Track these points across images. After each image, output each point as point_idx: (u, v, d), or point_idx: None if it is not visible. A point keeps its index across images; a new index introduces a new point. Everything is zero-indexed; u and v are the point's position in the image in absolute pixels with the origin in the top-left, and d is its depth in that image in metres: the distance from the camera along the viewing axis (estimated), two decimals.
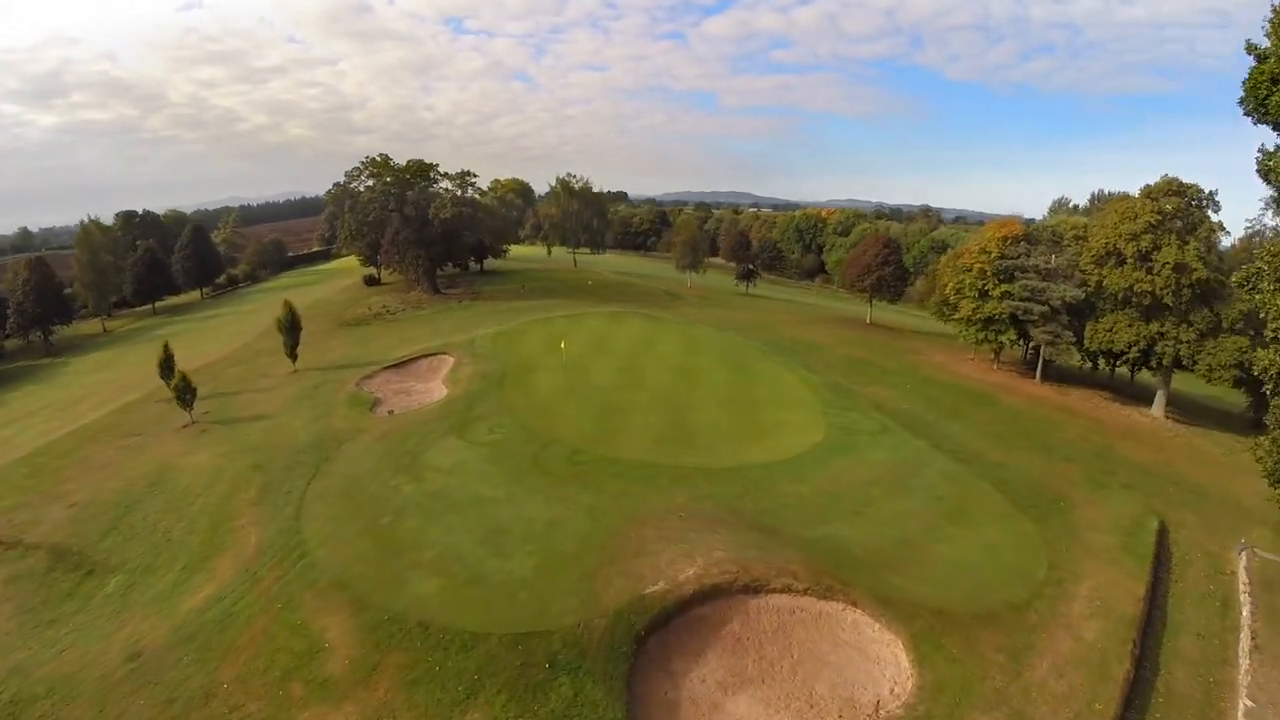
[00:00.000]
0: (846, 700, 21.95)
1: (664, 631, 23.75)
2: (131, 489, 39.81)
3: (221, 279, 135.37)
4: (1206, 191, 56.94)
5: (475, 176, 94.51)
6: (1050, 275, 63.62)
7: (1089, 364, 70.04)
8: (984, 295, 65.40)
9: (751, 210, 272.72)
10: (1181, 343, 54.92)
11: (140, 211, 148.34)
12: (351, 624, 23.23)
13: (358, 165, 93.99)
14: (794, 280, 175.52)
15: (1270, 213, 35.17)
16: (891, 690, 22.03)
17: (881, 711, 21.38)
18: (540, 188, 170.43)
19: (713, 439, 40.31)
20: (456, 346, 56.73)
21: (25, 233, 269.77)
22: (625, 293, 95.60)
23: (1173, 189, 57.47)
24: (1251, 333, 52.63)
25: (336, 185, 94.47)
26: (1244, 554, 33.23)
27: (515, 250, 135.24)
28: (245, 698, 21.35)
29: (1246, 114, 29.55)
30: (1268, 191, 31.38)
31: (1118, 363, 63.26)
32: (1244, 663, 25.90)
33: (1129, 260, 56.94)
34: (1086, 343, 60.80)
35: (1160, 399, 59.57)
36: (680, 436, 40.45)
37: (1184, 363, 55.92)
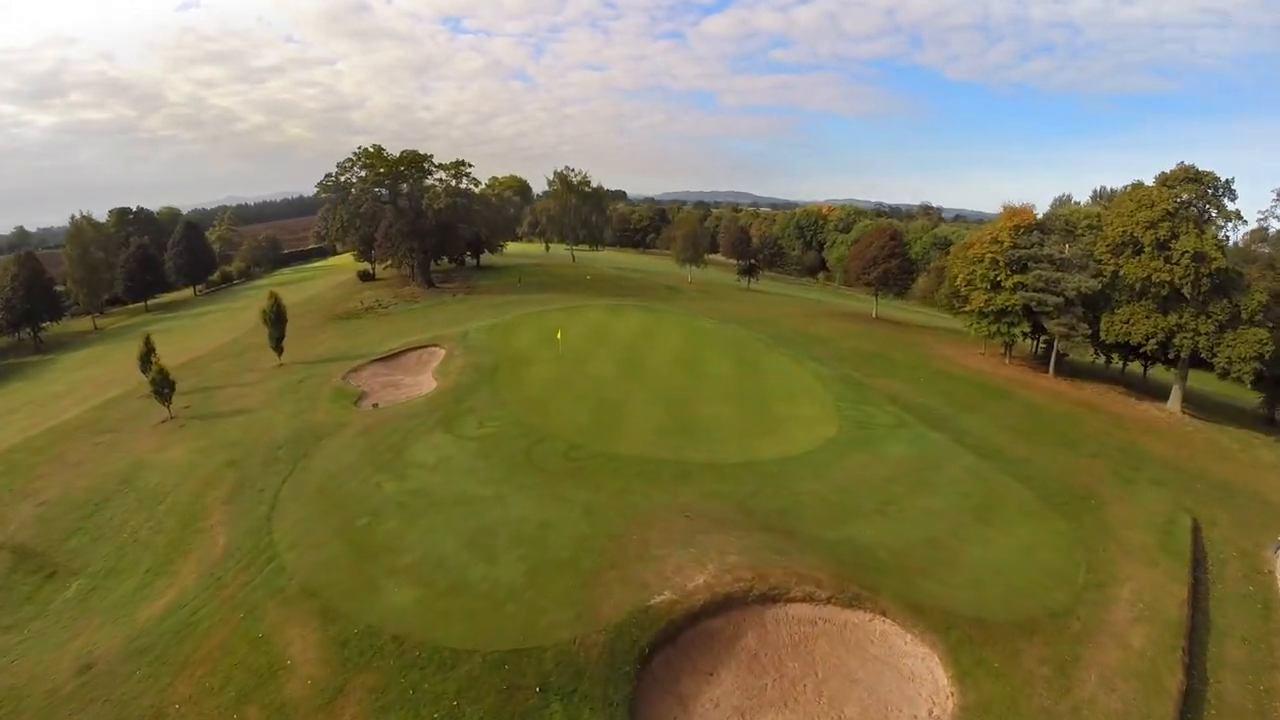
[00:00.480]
0: None
1: (671, 648, 21.16)
2: (102, 487, 37.88)
3: (215, 276, 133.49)
4: (1222, 180, 55.11)
5: (470, 166, 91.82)
6: (1064, 265, 61.39)
7: (1101, 359, 68.07)
8: (996, 286, 63.30)
9: (751, 208, 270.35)
10: (1200, 335, 53.14)
11: (134, 209, 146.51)
12: (317, 638, 20.69)
13: (350, 157, 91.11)
14: (795, 277, 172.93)
15: None
16: (930, 712, 19.65)
17: None
18: (539, 186, 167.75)
19: (720, 433, 37.80)
20: (448, 339, 54.19)
21: (21, 232, 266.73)
22: (624, 286, 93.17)
23: (1189, 176, 55.80)
24: (1270, 325, 50.82)
25: (328, 176, 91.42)
26: None
27: (513, 247, 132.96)
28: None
29: None
30: None
31: (1135, 355, 61.74)
32: None
33: (1147, 249, 54.90)
34: (1102, 335, 58.68)
35: (1177, 394, 57.93)
36: (685, 430, 37.92)
37: (1202, 355, 53.96)
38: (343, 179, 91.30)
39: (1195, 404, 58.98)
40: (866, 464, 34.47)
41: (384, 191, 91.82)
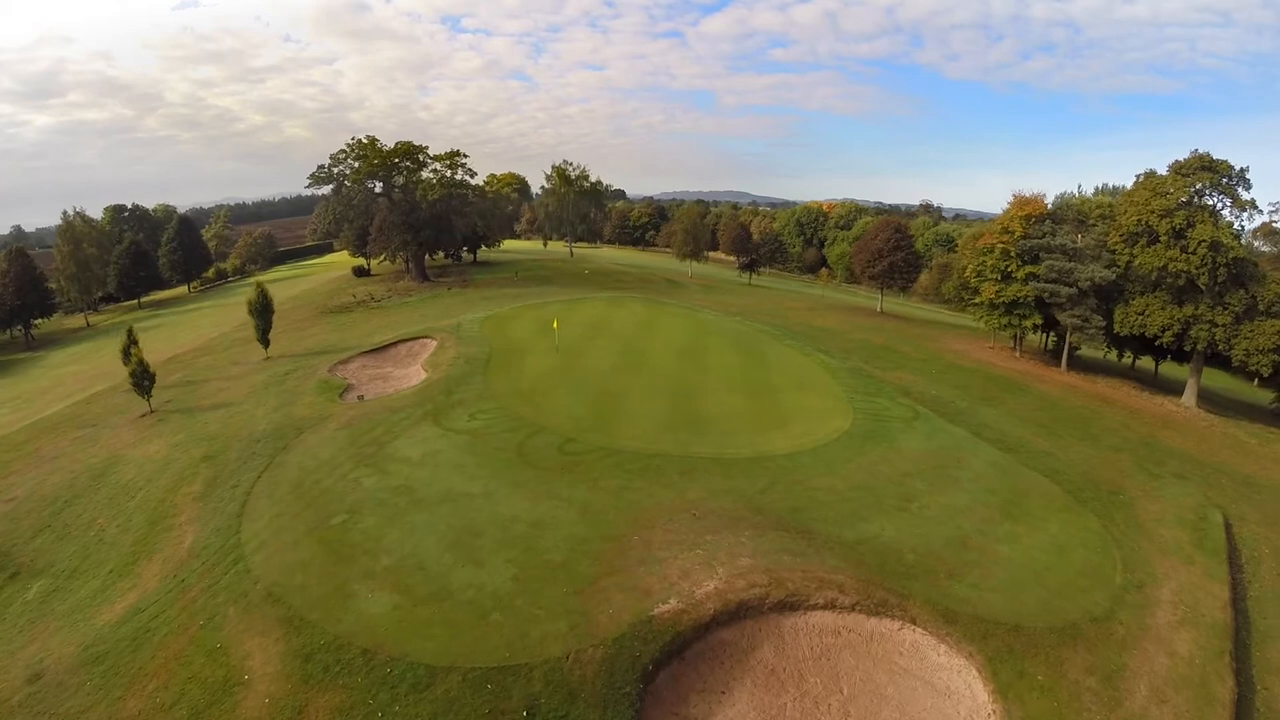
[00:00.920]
0: None
1: (678, 663, 18.86)
2: (75, 483, 35.96)
3: (210, 273, 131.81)
4: (1236, 169, 53.43)
5: (465, 157, 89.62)
6: (1077, 256, 59.51)
7: (1113, 353, 66.41)
8: (1007, 277, 61.50)
9: (750, 207, 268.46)
10: (1217, 326, 51.46)
11: (130, 205, 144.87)
12: (280, 649, 18.46)
13: (343, 148, 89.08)
14: (795, 274, 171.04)
15: None
16: None
17: None
18: (538, 186, 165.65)
19: (727, 426, 35.55)
20: (440, 330, 51.99)
21: (19, 232, 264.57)
22: (624, 280, 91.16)
23: (1203, 164, 54.11)
24: None
25: (321, 168, 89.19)
26: None
27: (510, 244, 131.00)
28: None
29: None
30: None
31: (1148, 350, 60.12)
32: None
33: (1163, 238, 53.12)
34: (1117, 327, 56.88)
35: (1192, 388, 56.44)
36: (689, 423, 35.67)
37: (1219, 347, 52.32)
38: (335, 170, 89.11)
39: (1206, 399, 57.68)
40: (884, 458, 32.30)
41: (378, 184, 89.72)
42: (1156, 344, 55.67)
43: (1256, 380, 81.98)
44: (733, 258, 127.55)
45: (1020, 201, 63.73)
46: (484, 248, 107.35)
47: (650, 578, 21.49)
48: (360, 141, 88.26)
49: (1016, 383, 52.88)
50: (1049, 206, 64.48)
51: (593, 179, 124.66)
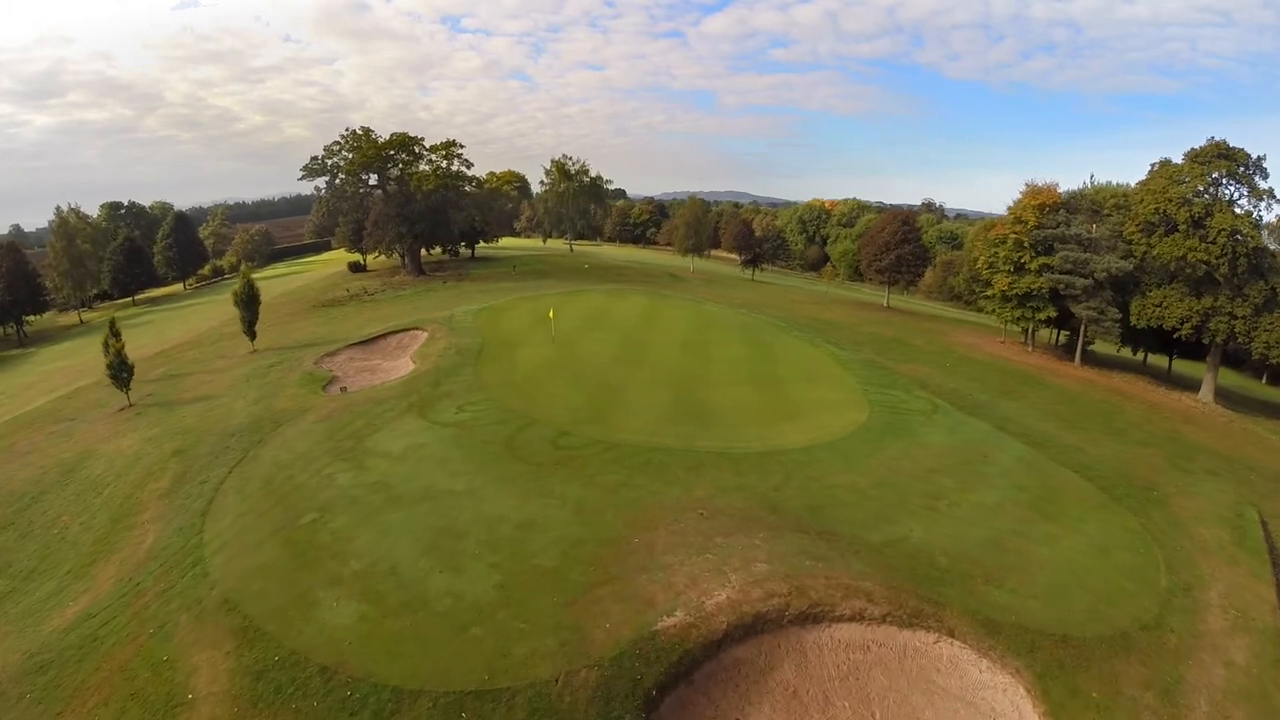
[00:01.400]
0: None
1: (685, 687, 16.40)
2: (44, 478, 34.13)
3: (206, 270, 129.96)
4: (1254, 157, 51.60)
5: (461, 147, 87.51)
6: (1092, 246, 57.47)
7: (1126, 348, 64.59)
8: (1020, 269, 59.55)
9: (751, 205, 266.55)
10: (1237, 318, 49.73)
11: (126, 202, 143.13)
12: (229, 665, 16.26)
13: (337, 140, 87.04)
14: (798, 271, 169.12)
15: None
16: None
17: None
18: (538, 186, 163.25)
19: (736, 419, 33.25)
20: (432, 322, 49.82)
21: (19, 231, 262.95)
22: (624, 274, 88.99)
23: (1220, 152, 52.54)
24: None
25: (314, 159, 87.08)
26: None
27: (509, 241, 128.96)
28: None
29: None
30: None
31: (1165, 342, 58.41)
32: None
33: (1182, 227, 51.17)
34: (1134, 320, 55.05)
35: (1209, 382, 54.98)
36: (695, 416, 33.42)
37: (1239, 339, 50.81)
38: (329, 162, 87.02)
39: (1220, 396, 56.23)
40: (906, 453, 30.06)
41: (372, 176, 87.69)
42: (1175, 336, 53.97)
43: (1265, 377, 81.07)
44: (734, 255, 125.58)
45: (1033, 191, 61.74)
46: (482, 243, 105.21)
47: (653, 586, 19.12)
48: (354, 133, 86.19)
49: (1033, 376, 50.91)
50: (1062, 196, 62.39)
51: (593, 174, 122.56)
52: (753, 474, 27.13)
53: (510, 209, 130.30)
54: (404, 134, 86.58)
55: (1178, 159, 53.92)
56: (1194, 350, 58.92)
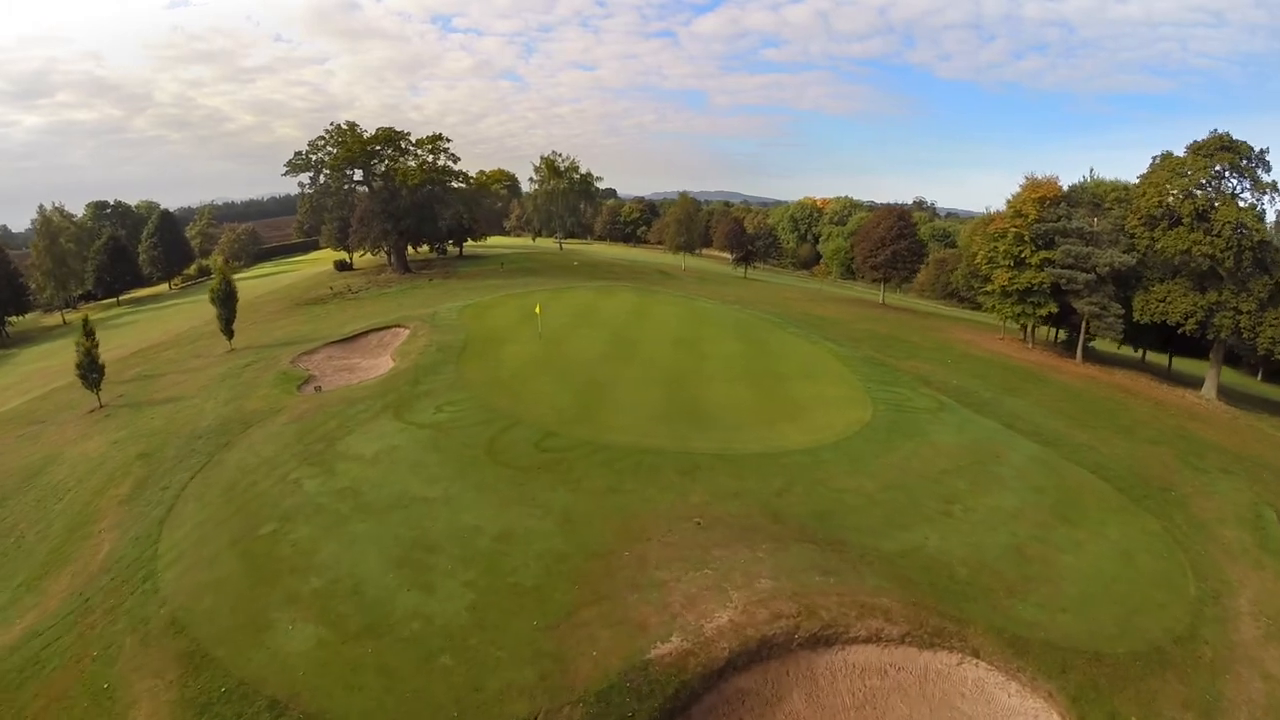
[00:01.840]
0: None
1: None
2: (4, 484, 32.52)
3: (192, 269, 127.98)
4: (1256, 150, 50.63)
5: (448, 141, 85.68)
6: (1094, 240, 56.35)
7: (1127, 345, 63.54)
8: (1020, 264, 58.31)
9: (742, 205, 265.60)
10: (1241, 313, 48.63)
11: (112, 201, 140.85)
12: (171, 697, 14.46)
13: (322, 135, 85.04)
14: (790, 269, 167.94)
15: None
16: None
17: None
18: (528, 186, 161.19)
19: (733, 418, 31.53)
20: (415, 319, 47.99)
21: (6, 232, 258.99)
22: (614, 272, 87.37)
23: (1223, 144, 51.54)
24: None
25: (298, 155, 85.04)
26: None
27: (498, 240, 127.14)
28: None
29: None
30: None
31: (1167, 339, 57.39)
32: None
33: (1186, 220, 50.10)
34: (1137, 315, 53.88)
35: (1213, 379, 53.99)
36: (689, 415, 31.68)
37: (1244, 335, 49.74)
38: (313, 158, 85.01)
39: (1221, 393, 54.79)
40: (915, 453, 28.45)
41: (358, 172, 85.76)
42: (1179, 332, 52.92)
43: (1260, 374, 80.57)
44: (726, 254, 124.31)
45: (1033, 184, 60.53)
46: (470, 241, 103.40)
47: (646, 607, 17.27)
48: (339, 128, 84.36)
49: (1035, 373, 49.71)
50: (1063, 189, 61.24)
51: (583, 171, 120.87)
52: (753, 478, 25.38)
53: (499, 207, 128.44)
54: (389, 129, 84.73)
55: (1177, 153, 52.83)
56: (1193, 347, 57.97)
